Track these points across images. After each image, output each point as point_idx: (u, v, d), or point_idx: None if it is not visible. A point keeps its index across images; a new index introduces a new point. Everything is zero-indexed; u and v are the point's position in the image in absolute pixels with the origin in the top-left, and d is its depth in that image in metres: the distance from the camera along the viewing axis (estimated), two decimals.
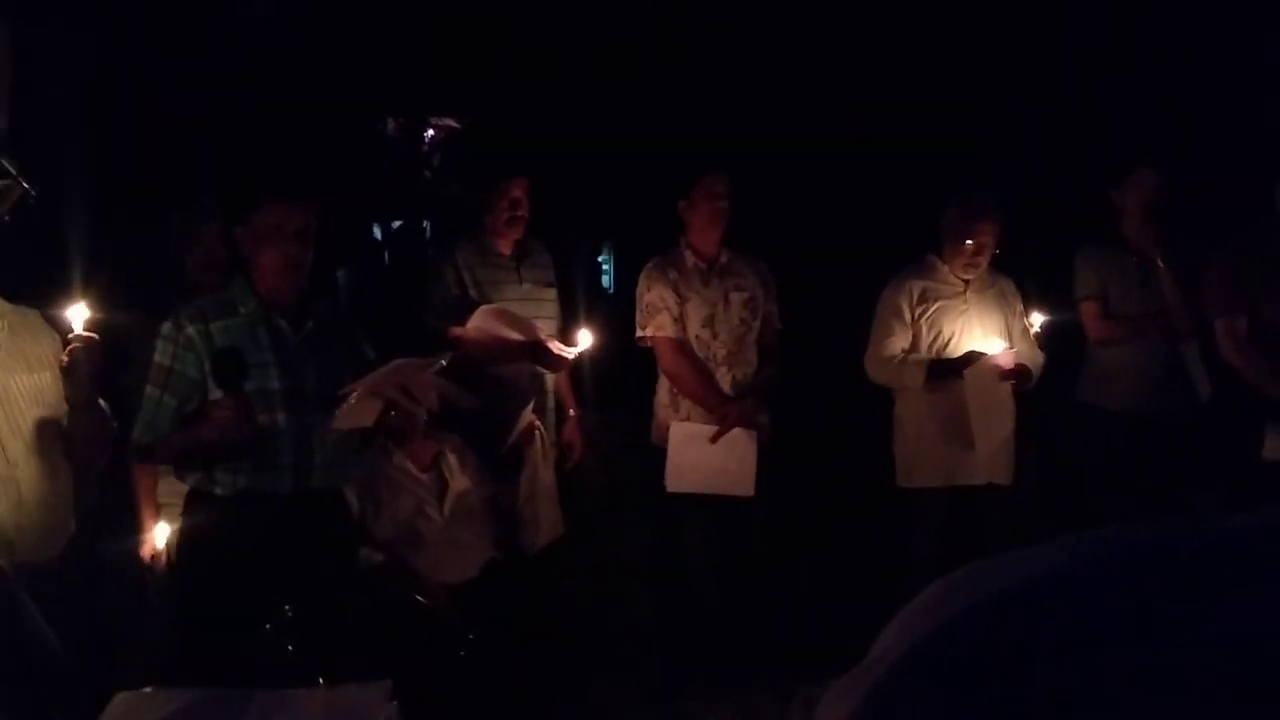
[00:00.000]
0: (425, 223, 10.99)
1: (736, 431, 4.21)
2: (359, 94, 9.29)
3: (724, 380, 4.27)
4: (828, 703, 0.57)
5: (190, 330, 3.13)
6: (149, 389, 3.14)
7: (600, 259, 9.90)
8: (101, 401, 3.07)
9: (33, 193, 0.70)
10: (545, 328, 4.17)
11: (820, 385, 4.84)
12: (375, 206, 11.03)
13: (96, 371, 2.99)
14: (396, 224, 11.07)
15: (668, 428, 4.30)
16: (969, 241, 4.18)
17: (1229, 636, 0.47)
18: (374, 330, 3.59)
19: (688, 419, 4.28)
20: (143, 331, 3.29)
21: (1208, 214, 4.57)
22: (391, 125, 12.51)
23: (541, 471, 4.19)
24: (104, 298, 3.09)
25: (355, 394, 3.18)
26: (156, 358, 3.14)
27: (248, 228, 3.21)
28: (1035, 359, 4.27)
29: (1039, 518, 4.51)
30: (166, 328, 3.15)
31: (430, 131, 12.44)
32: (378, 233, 11.31)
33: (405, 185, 11.74)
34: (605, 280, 9.90)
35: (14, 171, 0.66)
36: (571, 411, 4.42)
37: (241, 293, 3.23)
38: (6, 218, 0.70)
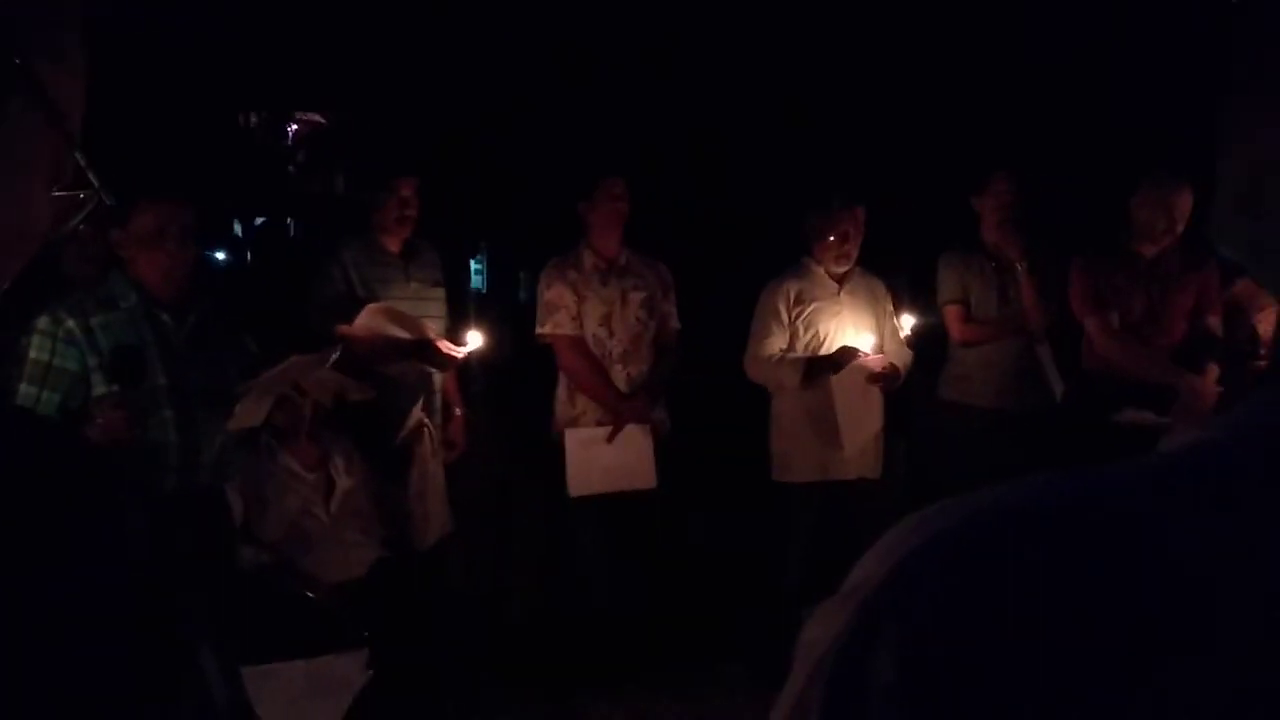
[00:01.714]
0: (289, 219, 10.81)
1: (631, 428, 4.34)
2: (220, 88, 9.07)
3: (619, 378, 4.38)
4: (812, 624, 0.59)
5: (70, 324, 3.05)
6: (24, 387, 3.03)
7: (473, 260, 9.92)
8: None
9: (109, 201, 0.72)
10: (433, 327, 4.19)
11: (722, 382, 4.96)
12: (237, 202, 10.82)
13: None
14: (259, 220, 10.85)
15: (566, 422, 4.40)
16: (832, 236, 4.37)
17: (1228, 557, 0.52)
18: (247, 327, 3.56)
19: (583, 414, 4.38)
20: (15, 328, 3.19)
21: (1066, 220, 4.86)
22: (254, 120, 12.25)
23: (431, 468, 4.22)
24: None
25: (252, 392, 3.16)
26: (32, 354, 3.04)
27: (125, 230, 3.15)
28: (905, 358, 4.48)
29: (908, 510, 4.72)
30: (43, 322, 3.05)
31: (294, 127, 12.23)
32: (239, 229, 11.08)
33: (268, 181, 11.52)
34: (476, 281, 9.93)
35: (96, 183, 0.68)
36: (457, 411, 4.45)
37: (121, 287, 3.16)
38: (81, 226, 0.71)
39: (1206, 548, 0.53)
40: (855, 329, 4.38)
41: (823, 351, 4.38)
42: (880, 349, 4.38)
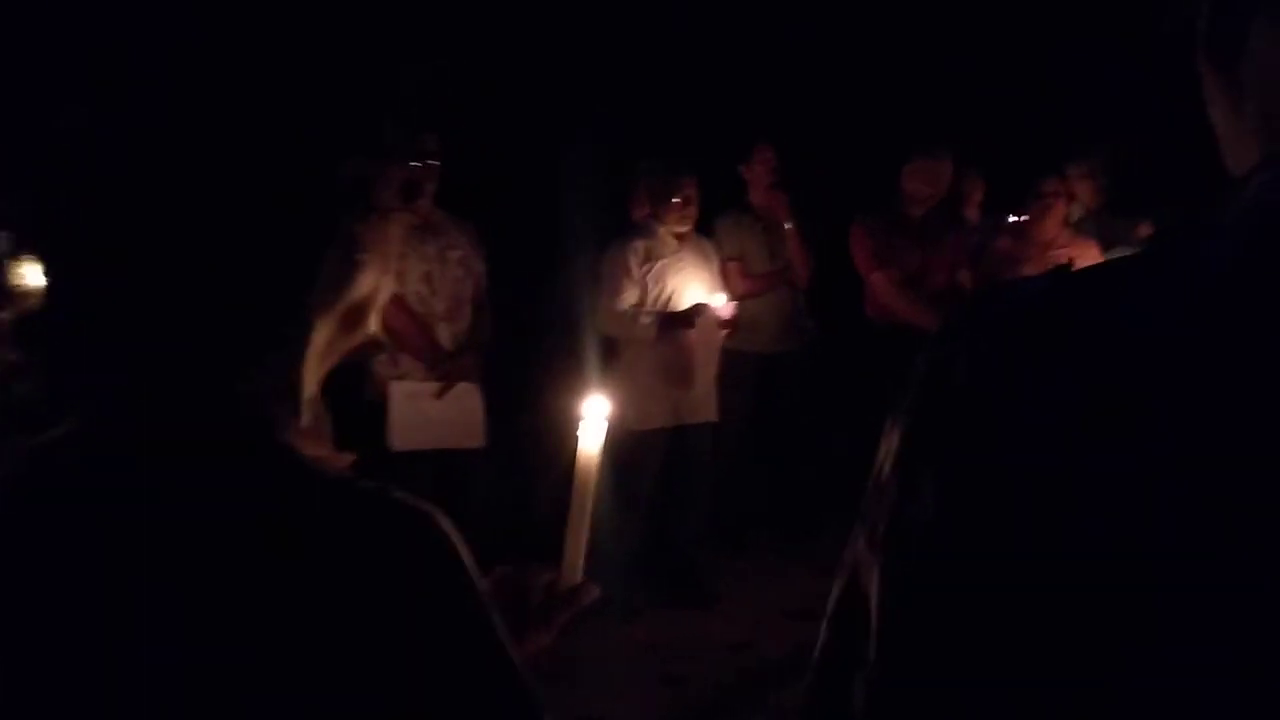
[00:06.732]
0: None
1: (462, 385, 4.35)
2: None
3: (444, 336, 4.35)
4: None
5: None
6: None
7: None
8: None
9: None
10: None
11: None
12: None
13: None
14: None
15: (385, 384, 4.31)
16: (675, 199, 4.65)
17: None
18: None
19: (407, 375, 4.33)
20: None
21: (822, 184, 5.49)
22: None
23: None
24: None
25: None
26: None
27: None
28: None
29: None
30: None
31: None
32: None
33: None
34: None
35: None
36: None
37: None
38: None
39: None
40: (697, 284, 4.69)
41: (671, 306, 4.65)
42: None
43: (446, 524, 0.77)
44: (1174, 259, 0.68)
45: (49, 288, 0.77)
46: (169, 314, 0.77)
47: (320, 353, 0.87)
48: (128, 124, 0.75)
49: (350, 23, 0.82)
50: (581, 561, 1.24)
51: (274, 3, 0.79)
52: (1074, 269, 0.72)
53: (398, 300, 4.25)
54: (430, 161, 4.18)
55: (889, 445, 0.72)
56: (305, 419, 0.85)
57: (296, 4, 0.79)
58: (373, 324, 0.91)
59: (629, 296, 4.63)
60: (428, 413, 4.32)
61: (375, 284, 0.89)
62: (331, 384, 3.06)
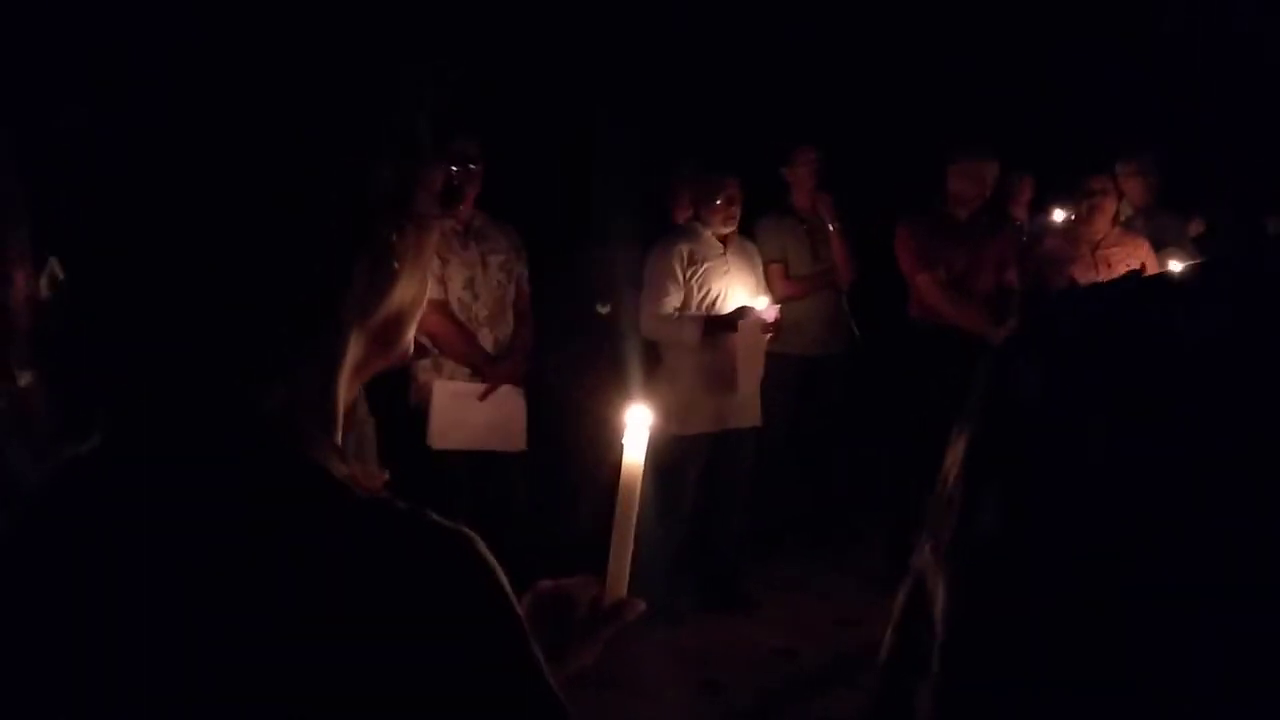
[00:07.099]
0: None
1: (505, 388, 4.35)
2: None
3: (486, 341, 4.36)
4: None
5: None
6: None
7: None
8: None
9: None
10: None
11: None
12: None
13: None
14: None
15: (430, 388, 4.32)
16: (720, 200, 4.61)
17: None
18: None
19: (451, 379, 4.34)
20: None
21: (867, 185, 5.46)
22: None
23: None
24: None
25: None
26: None
27: None
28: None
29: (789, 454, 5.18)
30: None
31: None
32: None
33: None
34: None
35: None
36: None
37: None
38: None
39: None
40: (742, 288, 4.66)
41: (715, 310, 4.62)
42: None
43: (483, 548, 0.73)
44: (1233, 268, 0.67)
45: (59, 298, 0.75)
46: (174, 321, 0.73)
47: (354, 369, 0.83)
48: (128, 124, 0.73)
49: (358, 22, 0.80)
50: (626, 575, 1.20)
51: (277, 2, 0.77)
52: (1144, 275, 0.71)
53: (441, 306, 4.26)
54: (470, 165, 4.18)
55: (954, 455, 0.70)
56: (339, 436, 0.82)
57: (300, 3, 0.77)
58: (409, 341, 0.88)
59: (673, 300, 4.60)
60: (469, 413, 4.32)
61: (413, 295, 0.85)
62: (377, 390, 3.08)
